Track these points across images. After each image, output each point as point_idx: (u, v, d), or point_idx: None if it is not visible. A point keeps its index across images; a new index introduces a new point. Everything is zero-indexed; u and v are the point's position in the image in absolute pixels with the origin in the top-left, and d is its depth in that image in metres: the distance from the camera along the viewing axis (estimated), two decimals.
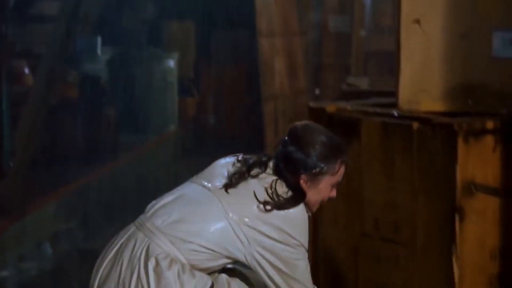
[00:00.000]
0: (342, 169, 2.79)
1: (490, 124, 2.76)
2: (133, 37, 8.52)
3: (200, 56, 9.30)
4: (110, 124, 7.45)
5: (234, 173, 2.80)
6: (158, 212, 2.82)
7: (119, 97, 7.96)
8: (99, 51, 8.17)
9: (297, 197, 2.78)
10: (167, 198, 2.87)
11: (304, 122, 2.92)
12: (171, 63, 8.60)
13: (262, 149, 9.00)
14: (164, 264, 2.71)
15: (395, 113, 2.97)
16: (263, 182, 2.78)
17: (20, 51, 6.79)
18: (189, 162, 8.00)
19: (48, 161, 6.45)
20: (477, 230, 2.77)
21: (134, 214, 2.84)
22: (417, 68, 2.98)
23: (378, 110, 3.05)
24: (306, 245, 2.72)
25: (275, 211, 2.72)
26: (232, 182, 2.79)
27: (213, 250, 2.77)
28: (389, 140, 2.92)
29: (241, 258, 2.73)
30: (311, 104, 3.25)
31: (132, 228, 2.84)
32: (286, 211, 2.72)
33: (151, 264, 2.72)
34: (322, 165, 2.78)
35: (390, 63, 9.04)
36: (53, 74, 6.16)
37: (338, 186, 2.81)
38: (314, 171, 2.78)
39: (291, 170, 2.80)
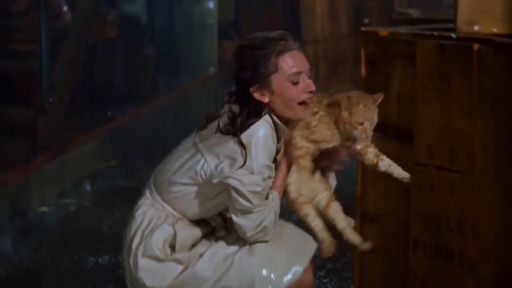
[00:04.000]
0: (287, 60, 2.66)
1: None
2: None
3: None
4: (149, 65, 7.36)
5: (207, 114, 2.77)
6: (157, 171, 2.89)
7: (158, 38, 7.86)
8: None
9: (255, 111, 2.68)
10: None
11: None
12: (211, 4, 8.46)
13: None
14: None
15: (453, 35, 2.81)
16: (227, 111, 2.73)
17: None
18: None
19: (88, 100, 6.39)
20: None
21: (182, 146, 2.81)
22: None
23: (435, 33, 2.89)
24: (266, 161, 2.65)
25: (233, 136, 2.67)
26: (204, 122, 2.75)
27: (186, 184, 2.76)
28: (447, 62, 2.77)
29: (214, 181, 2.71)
30: (363, 28, 3.10)
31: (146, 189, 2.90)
32: (246, 132, 2.65)
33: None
34: (257, 69, 2.67)
35: (433, 8, 8.80)
36: (91, 12, 6.07)
37: (300, 77, 2.66)
38: (255, 78, 2.68)
39: (243, 89, 2.72)
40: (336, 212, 2.82)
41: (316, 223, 2.80)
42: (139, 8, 7.92)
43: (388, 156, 3.18)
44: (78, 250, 4.57)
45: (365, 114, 2.68)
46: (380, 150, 3.21)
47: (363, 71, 3.17)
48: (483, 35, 2.78)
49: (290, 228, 2.86)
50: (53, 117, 5.52)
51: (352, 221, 2.87)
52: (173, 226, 2.77)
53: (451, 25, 3.00)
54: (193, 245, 2.78)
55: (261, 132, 2.66)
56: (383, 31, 3.03)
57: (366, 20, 3.44)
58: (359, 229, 3.27)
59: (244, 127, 2.65)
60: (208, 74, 8.31)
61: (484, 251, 2.69)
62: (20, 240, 4.73)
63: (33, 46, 5.84)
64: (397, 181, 3.17)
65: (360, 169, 3.22)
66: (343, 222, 2.82)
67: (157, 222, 2.78)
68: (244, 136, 2.65)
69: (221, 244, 2.77)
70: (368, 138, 2.72)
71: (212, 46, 8.52)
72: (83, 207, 5.31)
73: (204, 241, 2.79)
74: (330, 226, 2.84)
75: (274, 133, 2.70)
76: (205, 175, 2.70)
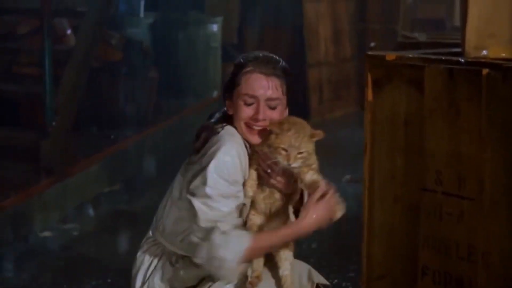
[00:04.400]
0: (248, 80, 2.64)
1: None
2: (176, 1, 8.38)
3: (244, 21, 9.14)
4: (153, 88, 7.34)
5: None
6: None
7: (162, 62, 7.84)
8: (142, 15, 8.04)
9: (221, 119, 2.70)
10: None
11: None
12: (215, 27, 8.44)
13: (306, 117, 8.82)
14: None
15: (462, 60, 2.78)
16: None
17: (62, 10, 6.68)
18: None
19: (91, 123, 6.35)
20: None
21: (174, 177, 2.76)
22: (486, 10, 2.78)
23: (443, 57, 2.86)
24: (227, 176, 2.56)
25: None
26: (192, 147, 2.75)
27: (177, 214, 2.68)
28: (455, 87, 2.73)
29: None
30: (369, 52, 3.07)
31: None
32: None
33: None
34: (229, 79, 2.70)
35: (438, 30, 8.78)
36: (95, 34, 6.05)
37: (255, 101, 2.63)
38: (225, 87, 2.72)
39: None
40: (285, 259, 2.74)
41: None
42: (143, 31, 7.91)
43: (393, 181, 3.14)
44: (80, 276, 4.51)
45: (291, 141, 2.60)
46: (386, 174, 3.17)
47: (369, 95, 3.13)
48: (492, 60, 2.74)
49: (296, 262, 2.77)
50: (56, 140, 5.47)
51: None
52: (174, 266, 2.68)
53: (458, 49, 2.97)
54: (198, 284, 2.69)
55: (226, 146, 2.58)
56: (390, 55, 3.00)
57: (373, 44, 3.39)
58: (366, 254, 3.22)
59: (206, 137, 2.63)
60: (212, 98, 8.28)
61: (495, 279, 2.63)
62: (22, 265, 4.67)
63: (37, 69, 5.82)
64: (404, 204, 3.13)
65: (367, 193, 3.17)
66: (286, 270, 2.73)
67: (158, 263, 2.71)
68: (211, 149, 2.59)
69: (222, 281, 2.66)
70: (288, 164, 2.59)
71: (215, 69, 8.49)
72: (85, 232, 5.25)
73: (205, 280, 2.68)
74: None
75: (243, 148, 2.63)
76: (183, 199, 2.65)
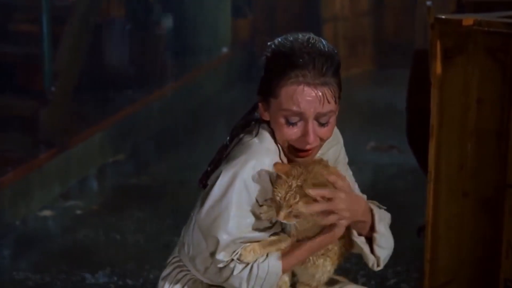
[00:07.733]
0: (291, 92, 2.01)
1: None
2: None
3: None
4: (159, 47, 6.79)
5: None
6: None
7: (168, 17, 7.30)
8: None
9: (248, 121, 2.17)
10: None
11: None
12: None
13: None
14: None
15: None
16: None
17: None
18: (243, 89, 7.35)
19: (93, 88, 5.82)
20: None
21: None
22: None
23: None
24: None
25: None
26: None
27: None
28: None
29: None
30: (441, 15, 2.52)
31: None
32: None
33: None
34: (265, 79, 2.07)
35: None
36: None
37: (301, 118, 2.04)
38: (260, 87, 2.10)
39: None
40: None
41: None
42: None
43: (462, 172, 2.63)
44: (86, 263, 4.02)
45: (286, 194, 1.99)
46: (454, 164, 2.67)
47: (437, 68, 2.59)
48: None
49: None
50: (56, 108, 4.94)
51: None
52: None
53: None
54: None
55: (248, 165, 2.04)
56: (468, 20, 2.45)
57: (429, 3, 2.85)
58: (429, 258, 2.73)
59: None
60: (222, 55, 7.76)
61: None
62: (20, 251, 4.17)
63: (34, 27, 5.26)
64: (477, 201, 2.64)
65: (432, 185, 2.66)
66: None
67: None
68: (228, 167, 2.09)
69: None
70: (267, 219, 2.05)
71: (225, 24, 7.98)
72: (90, 210, 4.74)
73: None
74: None
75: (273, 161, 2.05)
76: None
